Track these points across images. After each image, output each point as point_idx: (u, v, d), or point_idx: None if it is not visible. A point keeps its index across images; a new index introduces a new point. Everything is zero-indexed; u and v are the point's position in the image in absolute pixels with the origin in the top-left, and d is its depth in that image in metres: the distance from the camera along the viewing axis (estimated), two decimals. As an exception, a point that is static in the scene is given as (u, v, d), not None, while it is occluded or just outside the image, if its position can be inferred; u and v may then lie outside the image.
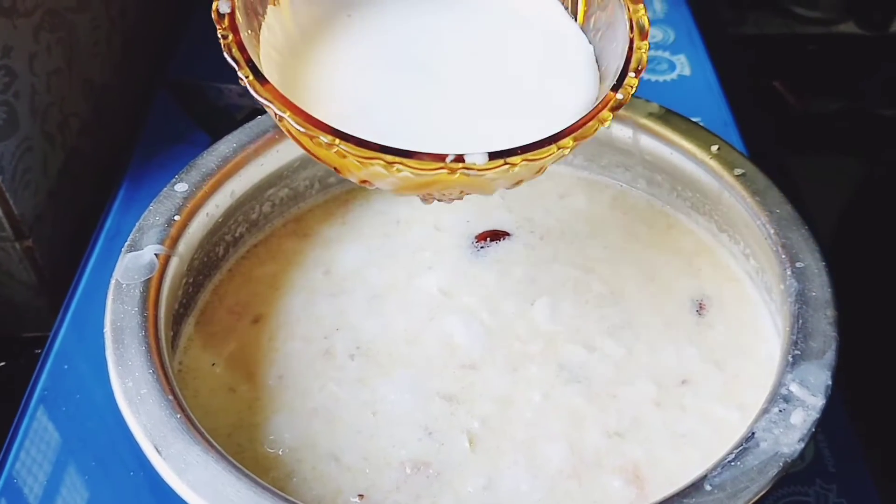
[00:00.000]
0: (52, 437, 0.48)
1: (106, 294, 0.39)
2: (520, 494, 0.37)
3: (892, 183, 0.85)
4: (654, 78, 0.72)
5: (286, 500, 0.31)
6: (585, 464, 0.38)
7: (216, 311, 0.45)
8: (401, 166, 0.31)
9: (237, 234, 0.48)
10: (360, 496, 0.37)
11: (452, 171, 0.32)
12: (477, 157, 0.32)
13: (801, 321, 0.37)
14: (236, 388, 0.42)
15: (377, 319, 0.45)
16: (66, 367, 0.51)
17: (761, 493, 0.32)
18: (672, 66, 0.73)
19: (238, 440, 0.39)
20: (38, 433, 0.48)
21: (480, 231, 0.49)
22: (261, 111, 0.49)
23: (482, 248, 0.49)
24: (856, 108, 0.94)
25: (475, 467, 0.38)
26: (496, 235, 0.49)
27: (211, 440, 0.33)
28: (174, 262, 0.41)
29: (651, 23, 0.76)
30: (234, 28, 0.35)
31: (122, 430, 0.47)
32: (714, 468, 0.33)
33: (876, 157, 0.91)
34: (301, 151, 0.48)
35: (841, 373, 0.36)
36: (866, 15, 0.98)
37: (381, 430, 0.40)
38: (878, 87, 0.95)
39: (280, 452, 0.39)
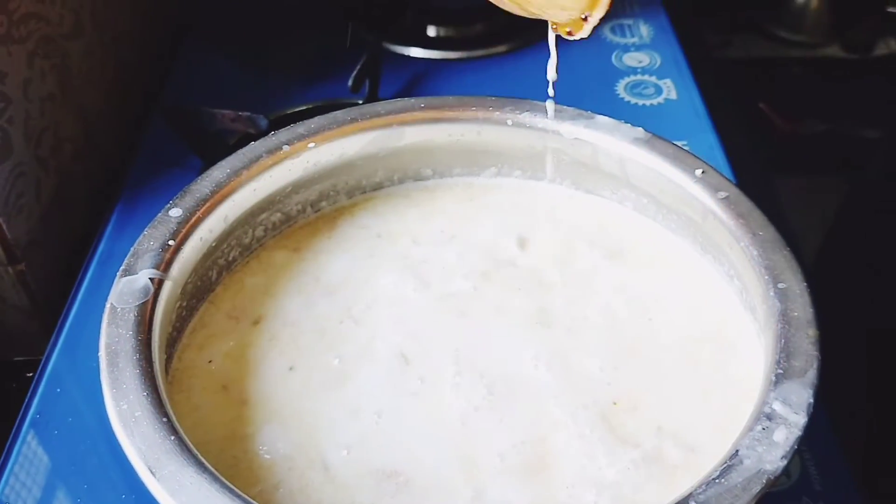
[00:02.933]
0: (44, 461, 0.48)
1: (98, 318, 0.40)
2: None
3: (876, 204, 0.86)
4: (640, 102, 0.73)
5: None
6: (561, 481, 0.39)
7: (213, 317, 0.46)
8: None
9: (230, 258, 0.48)
10: None
11: None
12: None
13: (783, 341, 0.38)
14: (229, 387, 0.42)
15: (373, 311, 0.46)
16: (58, 390, 0.51)
17: (745, 510, 0.33)
18: (658, 90, 0.74)
19: (230, 450, 0.40)
20: (30, 457, 0.48)
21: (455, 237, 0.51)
22: (254, 137, 0.50)
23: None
24: (841, 130, 0.95)
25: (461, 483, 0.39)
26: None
27: (204, 462, 0.34)
28: (168, 287, 0.41)
29: (637, 48, 0.78)
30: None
31: (114, 454, 0.48)
32: (699, 486, 0.33)
33: (861, 179, 0.92)
34: (294, 176, 0.49)
35: (826, 392, 0.37)
36: (851, 38, 1.00)
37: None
38: (862, 109, 0.96)
39: (270, 457, 0.39)
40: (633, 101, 0.73)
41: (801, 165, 0.93)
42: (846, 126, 0.96)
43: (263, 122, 0.63)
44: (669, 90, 0.74)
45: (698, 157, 0.47)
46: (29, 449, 0.48)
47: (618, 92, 0.74)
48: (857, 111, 0.96)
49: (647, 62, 0.78)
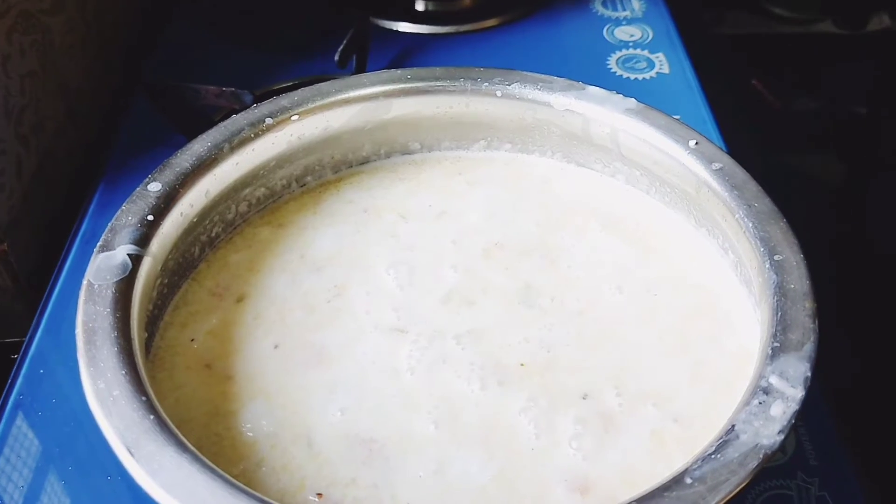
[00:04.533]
0: (30, 444, 0.47)
1: (79, 299, 0.39)
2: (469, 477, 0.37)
3: (867, 180, 0.85)
4: (632, 76, 0.72)
5: (262, 500, 0.31)
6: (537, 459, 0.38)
7: (196, 294, 0.45)
8: None
9: (213, 234, 0.47)
10: (319, 495, 0.36)
11: None
12: None
13: (779, 313, 0.37)
14: (212, 365, 0.41)
15: (360, 289, 0.45)
16: (41, 371, 0.51)
17: (742, 486, 0.32)
18: (651, 64, 0.73)
19: (213, 427, 0.39)
20: (16, 439, 0.48)
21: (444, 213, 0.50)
22: (237, 111, 0.49)
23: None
24: (833, 107, 0.95)
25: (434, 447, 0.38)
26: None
27: (185, 441, 0.33)
28: (147, 263, 0.40)
29: (629, 21, 0.77)
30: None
31: (100, 434, 0.47)
32: (695, 461, 0.32)
33: (852, 155, 0.91)
34: (277, 150, 0.48)
35: (822, 366, 0.36)
36: (843, 14, 0.99)
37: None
38: (854, 85, 0.96)
39: (253, 435, 0.39)
40: (625, 75, 0.72)
41: (792, 142, 0.92)
42: (838, 102, 0.95)
43: (248, 98, 0.62)
44: (662, 64, 0.73)
45: (692, 128, 0.46)
46: (16, 432, 0.48)
47: (609, 66, 0.73)
48: (849, 88, 0.95)
49: (640, 36, 0.77)
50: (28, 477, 0.46)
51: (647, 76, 0.72)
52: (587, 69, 0.73)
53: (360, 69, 0.69)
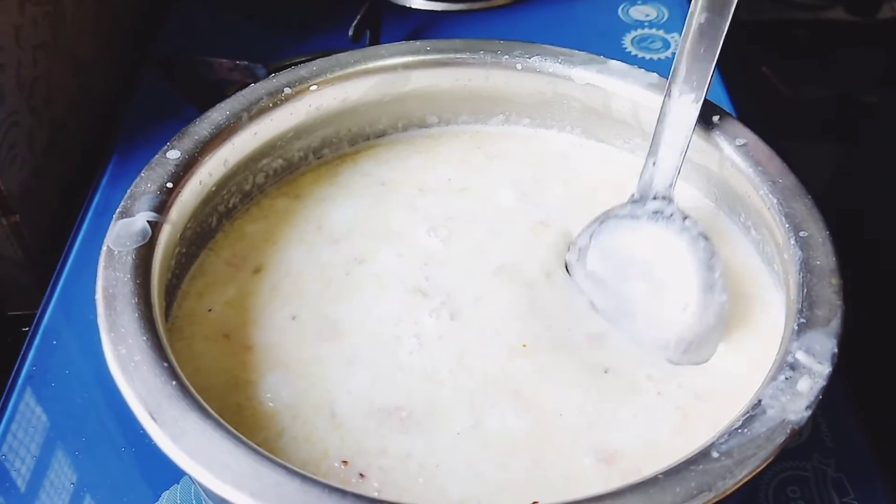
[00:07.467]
0: (41, 416, 0.47)
1: (95, 270, 0.38)
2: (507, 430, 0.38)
3: (877, 169, 0.85)
4: (648, 56, 0.71)
5: (286, 467, 0.31)
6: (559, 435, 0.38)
7: (213, 264, 0.45)
8: None
9: (230, 205, 0.47)
10: (344, 463, 0.36)
11: None
12: None
13: (805, 290, 0.37)
14: (231, 335, 0.41)
15: (378, 262, 0.45)
16: (54, 342, 0.50)
17: (769, 461, 0.32)
18: (666, 44, 0.73)
19: (233, 397, 0.39)
20: (26, 412, 0.47)
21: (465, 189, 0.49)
22: (253, 82, 0.48)
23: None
24: (844, 95, 0.94)
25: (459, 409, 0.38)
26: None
27: (207, 407, 0.32)
28: (167, 230, 0.40)
29: (644, 1, 0.77)
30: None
31: (112, 407, 0.47)
32: (721, 435, 0.32)
33: (862, 144, 0.91)
34: (295, 121, 0.47)
35: (840, 346, 0.36)
36: (855, 1, 0.98)
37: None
38: (866, 73, 0.95)
39: (274, 405, 0.38)
40: (641, 55, 0.72)
41: (803, 129, 0.92)
42: (849, 90, 0.95)
43: (262, 72, 0.61)
44: (677, 44, 0.73)
45: (714, 104, 0.46)
46: (26, 404, 0.48)
47: (624, 45, 0.73)
48: (861, 76, 0.95)
49: (655, 15, 0.76)
50: (39, 449, 0.46)
51: (662, 56, 0.72)
52: (602, 48, 0.71)
53: (374, 45, 0.69)
